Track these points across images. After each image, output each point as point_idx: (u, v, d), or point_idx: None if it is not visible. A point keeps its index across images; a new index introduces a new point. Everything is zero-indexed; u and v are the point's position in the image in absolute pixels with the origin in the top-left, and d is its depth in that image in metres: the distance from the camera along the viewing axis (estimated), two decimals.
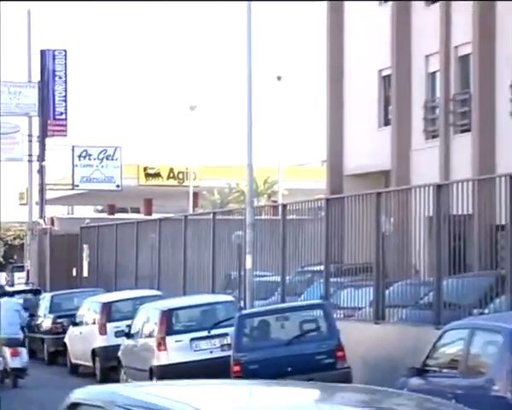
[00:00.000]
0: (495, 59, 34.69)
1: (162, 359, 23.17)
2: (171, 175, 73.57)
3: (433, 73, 38.58)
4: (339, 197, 30.67)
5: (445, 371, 15.94)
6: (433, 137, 38.02)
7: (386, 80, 40.98)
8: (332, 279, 25.00)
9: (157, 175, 72.95)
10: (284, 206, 29.72)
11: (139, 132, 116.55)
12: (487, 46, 34.86)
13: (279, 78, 67.14)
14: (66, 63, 58.47)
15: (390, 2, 40.15)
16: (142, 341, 24.54)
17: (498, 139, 34.49)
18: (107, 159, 61.68)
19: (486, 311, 19.29)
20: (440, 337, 16.46)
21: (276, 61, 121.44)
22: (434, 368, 16.12)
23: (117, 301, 30.39)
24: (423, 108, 38.90)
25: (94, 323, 29.79)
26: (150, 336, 24.14)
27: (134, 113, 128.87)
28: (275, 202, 55.67)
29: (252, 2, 27.34)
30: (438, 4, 37.54)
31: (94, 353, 28.81)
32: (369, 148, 40.83)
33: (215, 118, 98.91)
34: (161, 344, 23.33)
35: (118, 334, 27.07)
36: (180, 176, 75.27)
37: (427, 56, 38.70)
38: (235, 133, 50.17)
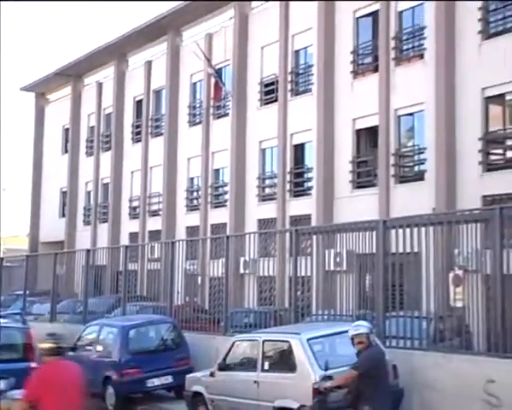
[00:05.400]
0: (121, 183, 34.91)
1: None
2: None
3: (89, 192, 38.04)
4: (35, 255, 29.82)
5: (87, 348, 15.58)
6: (88, 224, 37.50)
7: (64, 194, 40.04)
8: (28, 298, 23.89)
9: None
10: (1, 259, 28.11)
11: None
12: (116, 182, 35.04)
13: (4, 189, 65.66)
14: None
15: (66, 155, 39.71)
16: None
17: (123, 229, 34.62)
18: None
19: (111, 315, 19.10)
20: (84, 330, 16.15)
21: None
22: (81, 346, 15.75)
23: None
24: (83, 209, 38.39)
25: None
26: None
27: None
28: None
29: None
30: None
31: None
32: (54, 227, 39.57)
33: None
34: None
35: None
36: None
37: (86, 183, 38.21)
38: None
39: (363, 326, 8.50)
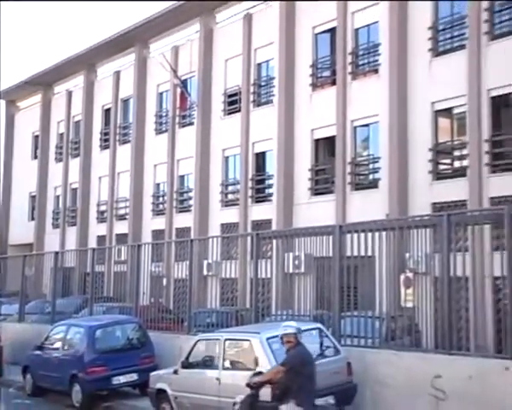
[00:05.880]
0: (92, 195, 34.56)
1: None
2: None
3: (58, 196, 37.53)
4: (4, 257, 29.11)
5: (54, 346, 15.34)
6: (57, 227, 36.97)
7: (33, 198, 39.31)
8: None
9: None
10: None
11: None
12: (84, 187, 34.66)
13: None
14: None
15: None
16: None
17: (91, 232, 34.21)
18: None
19: (78, 316, 18.82)
20: (52, 330, 15.88)
21: None
22: (48, 345, 15.52)
23: None
24: (52, 212, 37.78)
25: None
26: None
27: None
28: None
29: None
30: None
31: None
32: (23, 230, 38.86)
33: None
34: None
35: None
36: None
37: (55, 187, 37.68)
38: None
39: (291, 327, 8.74)
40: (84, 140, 35.23)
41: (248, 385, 8.67)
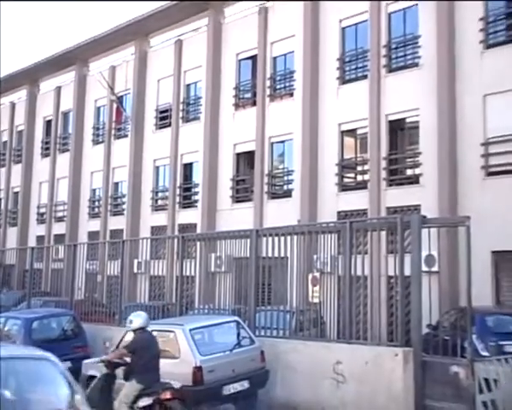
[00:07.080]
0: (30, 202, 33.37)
1: None
2: None
3: (0, 199, 36.01)
4: None
5: None
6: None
7: None
8: None
9: None
10: None
11: None
12: (26, 191, 33.42)
13: None
14: None
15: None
16: None
17: (31, 232, 33.00)
18: None
19: (18, 308, 18.04)
20: None
21: None
22: None
23: None
24: None
25: None
26: None
27: None
28: None
29: None
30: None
31: None
32: None
33: None
34: None
35: None
36: None
37: (2, 188, 36.21)
38: None
39: (135, 316, 8.97)
40: (26, 148, 34.07)
41: (102, 362, 8.83)
